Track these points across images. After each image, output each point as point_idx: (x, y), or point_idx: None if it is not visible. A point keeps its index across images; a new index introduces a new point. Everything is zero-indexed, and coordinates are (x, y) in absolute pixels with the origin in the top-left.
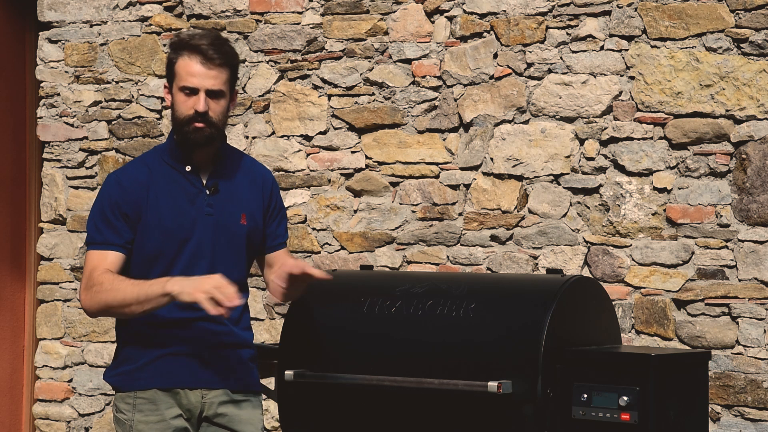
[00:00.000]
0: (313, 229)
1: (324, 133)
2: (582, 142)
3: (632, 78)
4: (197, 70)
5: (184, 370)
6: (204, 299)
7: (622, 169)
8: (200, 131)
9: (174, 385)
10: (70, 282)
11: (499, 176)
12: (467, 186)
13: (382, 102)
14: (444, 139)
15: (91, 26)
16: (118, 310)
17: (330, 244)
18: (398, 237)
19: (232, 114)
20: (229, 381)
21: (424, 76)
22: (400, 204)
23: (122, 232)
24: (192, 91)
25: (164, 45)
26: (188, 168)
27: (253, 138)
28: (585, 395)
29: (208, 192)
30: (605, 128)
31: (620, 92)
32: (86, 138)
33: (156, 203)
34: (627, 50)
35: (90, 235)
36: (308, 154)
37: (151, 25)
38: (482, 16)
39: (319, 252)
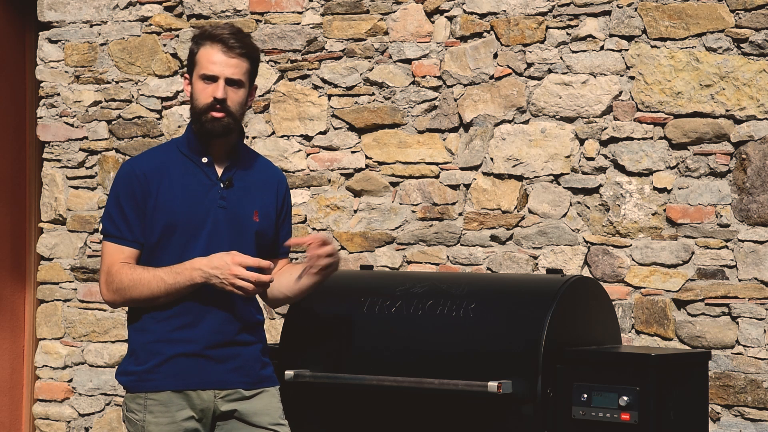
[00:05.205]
0: (313, 229)
1: (324, 133)
2: (582, 142)
3: (632, 78)
4: (218, 59)
5: (195, 371)
6: (232, 288)
7: (622, 169)
8: (218, 120)
9: (186, 387)
10: (70, 282)
11: (499, 176)
12: (467, 186)
13: (382, 102)
14: (444, 139)
15: (91, 26)
16: (145, 303)
17: None
18: (398, 237)
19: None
20: (241, 380)
21: (424, 76)
22: (400, 204)
23: (136, 227)
24: (212, 79)
25: (164, 45)
26: (205, 160)
27: (253, 138)
28: (585, 395)
29: (222, 185)
30: (605, 128)
31: (620, 92)
32: (86, 138)
33: (169, 192)
34: (627, 50)
35: (105, 226)
36: (308, 154)
37: (151, 25)
38: (482, 16)
39: None
